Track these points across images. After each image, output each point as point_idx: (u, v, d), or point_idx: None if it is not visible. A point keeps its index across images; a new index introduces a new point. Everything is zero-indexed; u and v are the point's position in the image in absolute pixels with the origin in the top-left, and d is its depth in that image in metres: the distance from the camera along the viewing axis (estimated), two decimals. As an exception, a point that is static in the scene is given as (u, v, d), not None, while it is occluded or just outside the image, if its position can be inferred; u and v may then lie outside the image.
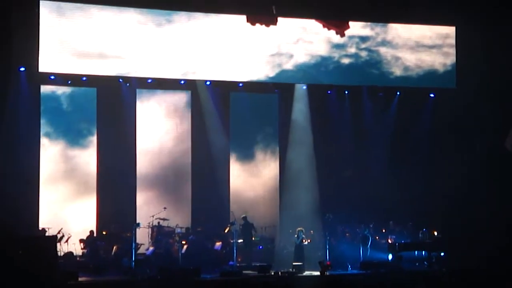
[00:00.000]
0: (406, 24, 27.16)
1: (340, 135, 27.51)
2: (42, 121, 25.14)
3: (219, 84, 26.37)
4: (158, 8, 25.28)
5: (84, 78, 25.17)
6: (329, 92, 27.47)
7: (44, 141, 25.18)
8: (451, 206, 26.13)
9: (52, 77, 24.88)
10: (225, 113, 26.84)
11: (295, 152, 27.08)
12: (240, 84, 26.52)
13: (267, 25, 25.85)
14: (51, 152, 25.30)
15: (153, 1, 25.13)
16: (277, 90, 27.16)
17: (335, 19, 26.55)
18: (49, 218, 24.48)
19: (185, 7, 25.47)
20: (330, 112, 27.63)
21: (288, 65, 26.35)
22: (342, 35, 26.37)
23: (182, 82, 26.07)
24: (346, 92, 27.47)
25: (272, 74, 26.26)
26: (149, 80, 25.76)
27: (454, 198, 26.15)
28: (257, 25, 25.88)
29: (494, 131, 26.87)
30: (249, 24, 25.81)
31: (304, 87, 27.15)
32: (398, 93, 27.60)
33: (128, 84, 25.81)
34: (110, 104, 25.70)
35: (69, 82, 25.32)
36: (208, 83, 26.31)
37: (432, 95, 27.67)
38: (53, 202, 25.03)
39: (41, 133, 25.07)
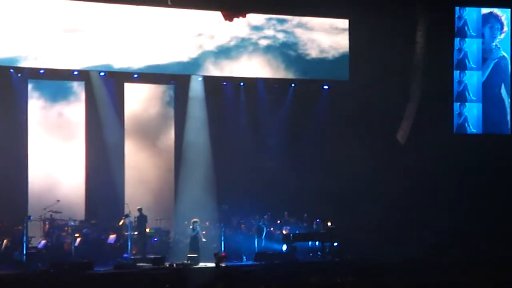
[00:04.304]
0: (302, 17, 27.43)
1: (236, 126, 27.58)
2: None
3: (113, 75, 26.08)
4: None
5: (-27, 68, 24.61)
6: (224, 83, 27.50)
7: None
8: (345, 198, 26.52)
9: None
10: (120, 105, 26.55)
11: (191, 143, 27.03)
12: (135, 75, 26.27)
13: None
14: None
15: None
16: (172, 81, 27.04)
17: (233, 11, 26.55)
18: None
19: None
20: (226, 103, 27.67)
21: (210, 47, 26.42)
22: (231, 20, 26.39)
23: (76, 72, 25.67)
24: (242, 83, 27.56)
25: (194, 55, 26.28)
26: (41, 71, 25.28)
27: (347, 190, 26.54)
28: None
29: (386, 123, 27.40)
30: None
31: (200, 79, 27.10)
32: (292, 85, 27.85)
33: (19, 75, 25.25)
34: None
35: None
36: (102, 73, 25.97)
37: (326, 87, 28.01)
38: None
39: None
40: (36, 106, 25.71)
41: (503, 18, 28.20)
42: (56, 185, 25.56)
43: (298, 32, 27.37)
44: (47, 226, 24.08)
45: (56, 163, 25.75)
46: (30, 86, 25.58)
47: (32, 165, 25.44)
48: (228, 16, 25.98)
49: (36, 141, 25.59)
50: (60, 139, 25.87)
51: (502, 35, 28.17)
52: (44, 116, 25.79)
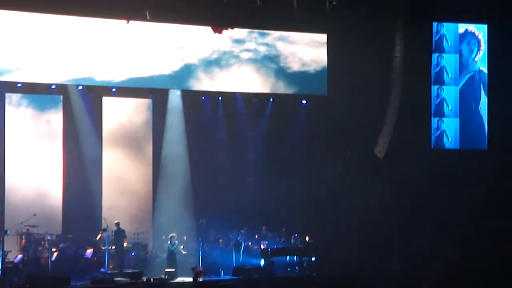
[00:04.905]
0: (282, 32, 27.48)
1: (214, 140, 27.59)
2: None
3: (91, 89, 26.01)
4: (35, 11, 24.71)
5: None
6: (202, 98, 27.48)
7: None
8: (323, 212, 26.54)
9: None
10: (98, 118, 26.47)
11: (169, 157, 27.00)
12: (113, 89, 26.21)
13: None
14: None
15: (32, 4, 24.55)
16: (151, 95, 26.98)
17: (212, 25, 26.53)
18: None
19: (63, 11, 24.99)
20: (204, 117, 27.65)
21: (191, 60, 26.42)
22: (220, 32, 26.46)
23: (53, 86, 25.57)
24: (220, 98, 27.56)
25: (175, 68, 26.25)
26: (19, 85, 25.14)
27: (325, 204, 26.57)
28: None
29: (364, 138, 27.45)
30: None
31: (178, 93, 27.10)
32: (271, 99, 27.87)
33: (-4, 88, 25.23)
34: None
35: None
36: (80, 87, 25.90)
37: (304, 102, 28.05)
38: None
39: None
40: (14, 118, 25.57)
41: (480, 36, 28.36)
42: (33, 199, 25.39)
43: (280, 45, 27.42)
44: (23, 240, 23.97)
45: (33, 177, 25.61)
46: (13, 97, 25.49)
47: (9, 179, 25.31)
48: (217, 29, 26.00)
49: (13, 155, 25.45)
50: (37, 153, 25.74)
51: (481, 53, 28.33)
52: (22, 129, 25.64)
